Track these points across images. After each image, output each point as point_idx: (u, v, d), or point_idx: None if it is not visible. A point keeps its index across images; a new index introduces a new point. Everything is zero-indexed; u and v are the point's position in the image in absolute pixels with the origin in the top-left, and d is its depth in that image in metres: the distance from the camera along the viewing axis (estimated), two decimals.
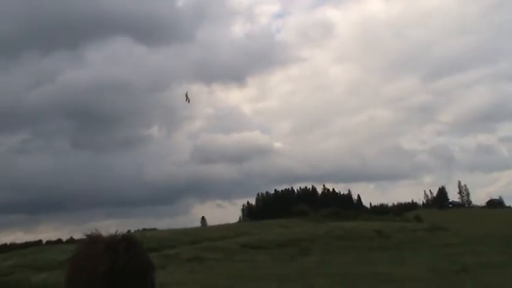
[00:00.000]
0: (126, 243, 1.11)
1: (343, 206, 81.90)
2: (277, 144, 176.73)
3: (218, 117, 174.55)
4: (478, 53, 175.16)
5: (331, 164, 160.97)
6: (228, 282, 15.00)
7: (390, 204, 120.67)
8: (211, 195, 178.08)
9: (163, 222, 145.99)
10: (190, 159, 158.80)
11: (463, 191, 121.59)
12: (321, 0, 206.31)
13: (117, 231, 1.03)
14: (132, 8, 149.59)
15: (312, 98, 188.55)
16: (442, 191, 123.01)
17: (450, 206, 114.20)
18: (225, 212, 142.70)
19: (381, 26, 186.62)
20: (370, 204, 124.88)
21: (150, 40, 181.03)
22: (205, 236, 31.31)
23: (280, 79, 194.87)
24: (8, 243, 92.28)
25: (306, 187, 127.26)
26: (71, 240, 65.02)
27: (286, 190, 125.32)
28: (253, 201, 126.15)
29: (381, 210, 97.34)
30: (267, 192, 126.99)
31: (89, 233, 1.13)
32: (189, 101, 29.21)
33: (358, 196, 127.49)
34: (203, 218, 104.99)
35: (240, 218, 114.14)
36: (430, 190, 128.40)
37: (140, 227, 73.49)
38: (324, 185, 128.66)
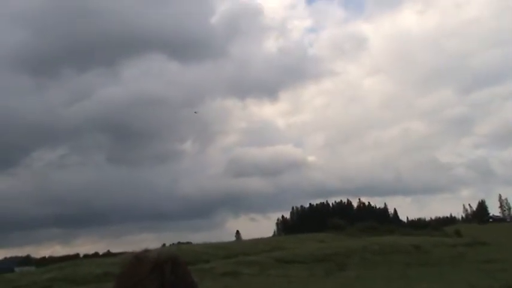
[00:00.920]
0: (172, 263, 1.11)
1: (380, 220, 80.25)
2: (311, 158, 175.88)
3: (251, 131, 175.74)
4: None
5: (366, 177, 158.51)
6: None
7: (428, 218, 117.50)
8: (245, 209, 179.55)
9: (198, 236, 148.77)
10: (224, 173, 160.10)
11: (504, 204, 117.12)
12: (353, 14, 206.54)
13: (164, 245, 1.08)
14: (167, 26, 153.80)
15: (345, 111, 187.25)
16: (481, 205, 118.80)
17: (491, 220, 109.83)
18: (259, 226, 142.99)
19: (414, 38, 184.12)
20: (407, 218, 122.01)
21: (184, 56, 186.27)
22: (239, 250, 31.40)
23: (313, 93, 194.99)
24: (46, 256, 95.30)
25: (341, 201, 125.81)
26: (107, 254, 66.47)
27: (321, 204, 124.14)
28: (287, 215, 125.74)
29: (418, 225, 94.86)
30: (301, 206, 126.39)
31: (134, 251, 1.13)
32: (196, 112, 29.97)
33: (395, 210, 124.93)
34: (237, 232, 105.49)
35: (274, 232, 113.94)
36: (469, 204, 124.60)
37: (175, 241, 74.78)
38: (359, 199, 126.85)
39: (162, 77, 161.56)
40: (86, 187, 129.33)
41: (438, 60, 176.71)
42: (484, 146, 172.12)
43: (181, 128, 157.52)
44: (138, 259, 1.13)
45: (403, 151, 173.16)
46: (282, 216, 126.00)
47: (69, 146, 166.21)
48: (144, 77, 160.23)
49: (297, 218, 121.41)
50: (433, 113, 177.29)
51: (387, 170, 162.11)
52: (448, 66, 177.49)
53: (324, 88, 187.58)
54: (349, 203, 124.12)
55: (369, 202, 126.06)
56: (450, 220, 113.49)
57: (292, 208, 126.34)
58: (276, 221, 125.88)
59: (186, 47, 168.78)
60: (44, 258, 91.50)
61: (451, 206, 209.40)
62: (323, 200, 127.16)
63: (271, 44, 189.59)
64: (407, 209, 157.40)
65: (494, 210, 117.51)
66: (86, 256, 69.45)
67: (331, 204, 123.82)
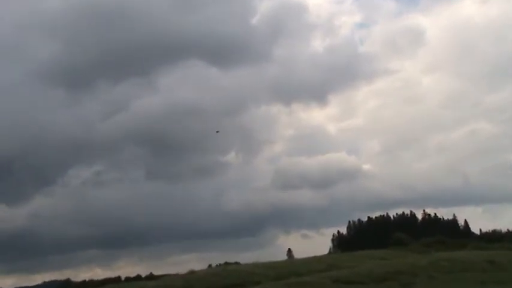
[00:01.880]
0: None
1: (448, 233, 74.74)
2: (366, 166, 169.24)
3: (300, 138, 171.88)
4: None
5: (430, 185, 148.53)
6: None
7: (504, 230, 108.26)
8: (296, 224, 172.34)
9: (246, 255, 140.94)
10: (271, 185, 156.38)
11: None
12: (407, 6, 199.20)
13: (209, 266, 1.00)
14: (204, 30, 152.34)
15: (403, 113, 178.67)
16: None
17: None
18: (313, 243, 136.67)
19: (477, 29, 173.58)
20: (480, 230, 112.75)
21: (224, 61, 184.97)
22: (292, 270, 29.23)
23: (366, 94, 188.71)
24: (86, 279, 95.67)
25: (403, 213, 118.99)
26: (150, 277, 65.01)
27: (381, 217, 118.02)
28: (343, 230, 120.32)
29: (493, 237, 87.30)
30: (359, 219, 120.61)
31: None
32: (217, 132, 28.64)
33: (465, 221, 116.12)
34: (289, 250, 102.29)
35: (330, 249, 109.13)
36: None
37: (222, 261, 72.55)
38: (424, 210, 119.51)
39: (201, 85, 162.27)
40: (124, 205, 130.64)
41: (505, 53, 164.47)
42: None
43: (224, 138, 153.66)
44: None
45: (470, 155, 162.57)
46: (338, 232, 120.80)
47: (106, 161, 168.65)
48: (182, 85, 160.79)
49: (354, 233, 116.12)
50: (502, 111, 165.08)
51: (454, 177, 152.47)
52: None
53: (377, 88, 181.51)
54: (413, 215, 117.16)
55: (435, 213, 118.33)
56: None
57: (349, 222, 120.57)
58: (331, 237, 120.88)
59: (225, 51, 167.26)
60: (84, 282, 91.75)
61: None
62: (383, 213, 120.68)
63: (317, 43, 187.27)
64: (479, 220, 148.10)
65: None
66: (127, 279, 68.72)
67: (392, 217, 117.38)
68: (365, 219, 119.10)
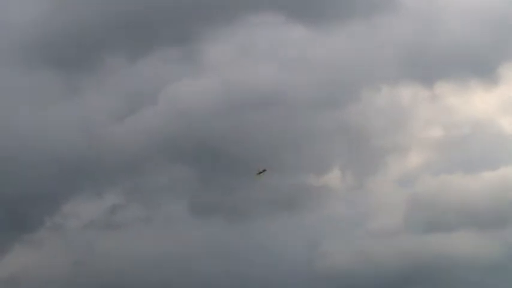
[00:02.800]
0: None
1: None
2: None
3: (452, 143, 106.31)
4: None
5: None
6: None
7: None
8: None
9: None
10: (405, 225, 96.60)
11: None
12: None
13: None
14: None
15: None
16: None
17: None
18: None
19: None
20: None
21: (317, 16, 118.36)
22: None
23: None
24: None
25: None
26: None
27: None
28: None
29: None
30: None
31: None
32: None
33: None
34: None
35: None
36: None
37: None
38: None
39: (278, 56, 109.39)
40: (154, 259, 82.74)
41: None
42: None
43: (320, 147, 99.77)
44: None
45: None
46: None
47: (124, 188, 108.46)
48: (246, 59, 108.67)
49: None
50: None
51: None
52: None
53: None
54: None
55: None
56: None
57: None
58: None
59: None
60: None
61: None
62: None
63: None
64: None
65: None
66: None
67: None
68: None
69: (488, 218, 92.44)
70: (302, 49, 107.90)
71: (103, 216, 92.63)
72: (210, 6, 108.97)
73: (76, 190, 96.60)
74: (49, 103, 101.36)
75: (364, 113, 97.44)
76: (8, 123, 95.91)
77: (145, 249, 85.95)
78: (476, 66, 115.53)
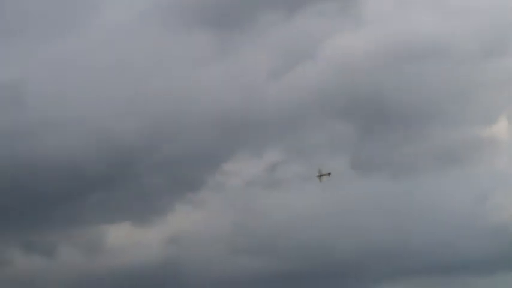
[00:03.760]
0: None
1: None
2: None
3: None
4: None
5: None
6: None
7: None
8: None
9: None
10: None
11: None
12: None
13: None
14: None
15: None
16: None
17: None
18: None
19: None
20: None
21: None
22: None
23: None
24: None
25: None
26: None
27: None
28: None
29: None
30: None
31: None
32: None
33: None
34: None
35: None
36: None
37: None
38: None
39: (438, 8, 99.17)
40: (315, 219, 79.34)
41: None
42: None
43: (486, 97, 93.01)
44: None
45: None
46: None
47: (284, 146, 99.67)
48: (403, 10, 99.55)
49: None
50: None
51: None
52: None
53: None
54: None
55: None
56: None
57: None
58: None
59: None
60: None
61: None
62: None
63: None
64: None
65: None
66: None
67: None
68: None
69: None
70: None
71: (263, 174, 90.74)
72: None
73: (236, 149, 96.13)
74: (205, 63, 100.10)
75: None
76: (165, 85, 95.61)
77: (305, 208, 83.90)
78: None
